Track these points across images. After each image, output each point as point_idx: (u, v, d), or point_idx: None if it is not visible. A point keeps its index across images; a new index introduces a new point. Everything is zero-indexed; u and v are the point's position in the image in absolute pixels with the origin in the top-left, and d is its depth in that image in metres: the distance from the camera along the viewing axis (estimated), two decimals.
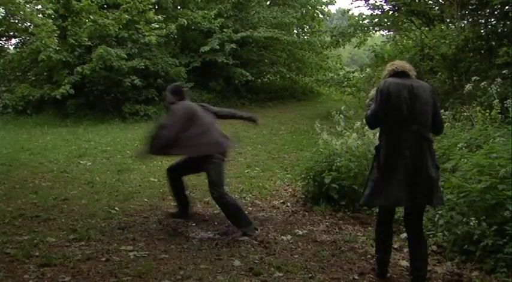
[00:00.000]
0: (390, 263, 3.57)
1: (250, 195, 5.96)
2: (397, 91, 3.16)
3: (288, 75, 18.93)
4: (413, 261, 3.29)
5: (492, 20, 9.88)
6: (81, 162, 8.10)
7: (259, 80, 19.43)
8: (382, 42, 14.99)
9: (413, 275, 3.27)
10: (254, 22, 17.25)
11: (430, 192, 3.15)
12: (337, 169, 5.12)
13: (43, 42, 9.02)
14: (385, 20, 13.89)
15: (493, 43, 9.22)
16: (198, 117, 4.44)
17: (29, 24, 9.56)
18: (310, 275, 3.50)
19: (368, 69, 13.94)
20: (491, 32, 9.49)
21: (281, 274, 3.51)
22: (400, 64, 3.37)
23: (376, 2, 13.64)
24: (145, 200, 5.71)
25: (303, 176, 5.65)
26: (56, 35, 9.17)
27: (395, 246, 4.05)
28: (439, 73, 9.66)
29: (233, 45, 16.03)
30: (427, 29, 11.99)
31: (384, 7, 13.58)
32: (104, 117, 14.49)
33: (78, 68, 13.93)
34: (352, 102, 12.04)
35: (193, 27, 16.31)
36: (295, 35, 20.06)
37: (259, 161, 8.25)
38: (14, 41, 14.68)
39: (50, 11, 9.77)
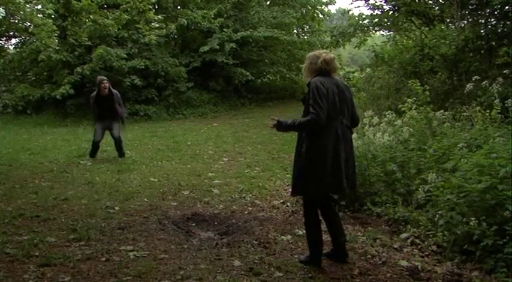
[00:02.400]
0: (390, 262, 3.57)
1: (250, 195, 5.96)
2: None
3: (288, 75, 18.93)
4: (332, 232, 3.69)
5: (492, 20, 9.86)
6: (81, 162, 8.10)
7: (259, 80, 19.43)
8: (382, 42, 14.96)
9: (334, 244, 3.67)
10: (254, 22, 17.26)
11: None
12: None
13: (43, 42, 9.02)
14: (385, 20, 13.89)
15: (493, 43, 9.20)
16: None
17: (29, 24, 9.56)
18: (310, 275, 3.50)
19: (368, 69, 13.90)
20: (491, 32, 9.47)
21: (281, 274, 3.51)
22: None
23: (376, 2, 13.65)
24: (145, 200, 5.71)
25: None
26: (56, 35, 9.18)
27: (395, 246, 4.05)
28: (439, 73, 9.63)
29: (233, 45, 16.03)
30: (427, 29, 11.98)
31: (384, 7, 13.58)
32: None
33: (78, 68, 13.94)
34: None
35: (193, 27, 16.32)
36: (295, 35, 20.06)
37: (259, 161, 8.25)
38: (14, 41, 14.69)
39: (50, 11, 9.77)
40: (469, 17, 10.57)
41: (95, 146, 8.39)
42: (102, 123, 8.27)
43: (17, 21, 9.77)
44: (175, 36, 17.20)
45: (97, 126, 8.31)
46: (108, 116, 8.21)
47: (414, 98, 6.32)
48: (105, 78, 8.39)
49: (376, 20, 13.95)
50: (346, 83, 3.71)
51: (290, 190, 3.81)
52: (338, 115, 3.44)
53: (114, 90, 8.32)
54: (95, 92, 8.26)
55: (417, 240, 4.08)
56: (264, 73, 19.33)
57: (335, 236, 3.71)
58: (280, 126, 3.55)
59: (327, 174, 3.41)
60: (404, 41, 13.62)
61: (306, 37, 20.56)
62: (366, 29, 14.58)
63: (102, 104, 8.13)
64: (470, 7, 10.33)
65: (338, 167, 3.43)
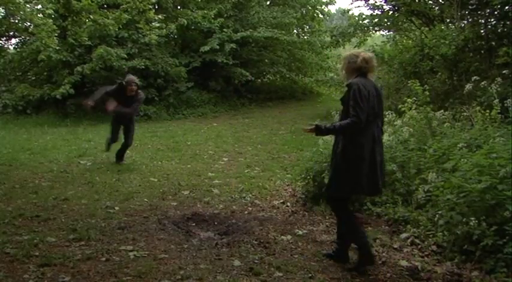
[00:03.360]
0: (390, 262, 3.57)
1: (250, 195, 5.96)
2: None
3: (288, 75, 18.91)
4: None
5: (492, 20, 9.87)
6: (81, 162, 8.10)
7: (259, 80, 19.41)
8: (382, 42, 14.97)
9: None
10: (254, 22, 17.24)
11: None
12: None
13: (43, 42, 9.01)
14: (385, 20, 13.89)
15: (493, 43, 9.21)
16: None
17: (29, 24, 9.56)
18: (310, 275, 3.50)
19: None
20: (491, 32, 9.48)
21: (281, 274, 3.51)
22: None
23: (376, 2, 13.66)
24: (145, 199, 5.71)
25: (303, 176, 5.65)
26: (56, 34, 9.17)
27: (395, 246, 4.05)
28: (439, 73, 9.64)
29: (233, 45, 16.02)
30: (427, 29, 11.98)
31: (384, 7, 13.59)
32: (104, 117, 14.45)
33: (78, 68, 13.93)
34: None
35: (193, 27, 16.30)
36: (295, 35, 20.03)
37: (259, 161, 8.25)
38: (14, 40, 14.70)
39: (50, 11, 9.75)
40: (469, 17, 10.58)
41: (110, 143, 8.02)
42: (118, 124, 7.86)
43: (17, 21, 9.78)
44: (176, 36, 17.18)
45: (114, 127, 7.92)
46: (122, 116, 7.71)
47: (414, 98, 6.32)
48: (136, 81, 7.79)
49: (376, 20, 13.96)
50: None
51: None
52: (375, 118, 3.48)
53: (140, 92, 7.94)
54: (115, 86, 7.75)
55: (417, 240, 4.08)
56: (264, 73, 19.31)
57: (343, 239, 3.75)
58: (320, 131, 3.51)
59: (363, 175, 3.41)
60: (404, 41, 13.63)
61: (306, 37, 20.51)
62: (365, 29, 14.58)
63: (120, 100, 7.56)
64: (470, 7, 10.34)
65: (374, 169, 3.44)
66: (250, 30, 16.60)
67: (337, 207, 3.68)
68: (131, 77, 7.90)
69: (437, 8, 12.51)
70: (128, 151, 8.12)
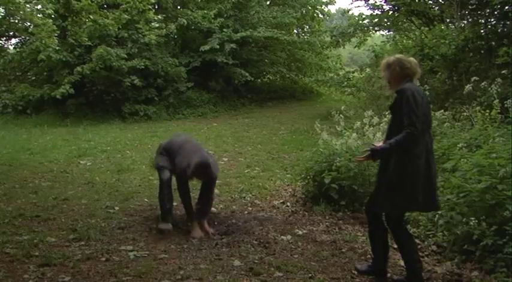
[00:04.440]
0: (390, 262, 3.57)
1: (250, 195, 5.96)
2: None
3: (288, 75, 18.91)
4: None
5: (492, 20, 9.88)
6: (81, 162, 8.10)
7: (259, 80, 19.39)
8: (382, 42, 14.98)
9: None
10: (254, 22, 17.23)
11: None
12: (337, 169, 5.12)
13: (43, 42, 9.00)
14: (385, 20, 13.89)
15: (493, 43, 9.21)
16: None
17: (29, 24, 9.55)
18: (310, 275, 3.50)
19: (368, 69, 13.92)
20: (491, 32, 9.49)
21: (281, 274, 3.51)
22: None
23: (376, 2, 13.66)
24: (145, 199, 5.71)
25: (303, 176, 5.65)
26: (56, 34, 9.17)
27: (395, 246, 4.04)
28: (439, 73, 9.64)
29: (233, 45, 16.02)
30: (426, 29, 11.99)
31: (384, 7, 13.59)
32: (104, 117, 14.48)
33: (78, 68, 13.92)
34: (352, 102, 12.03)
35: (193, 27, 16.29)
36: (295, 35, 20.03)
37: (259, 161, 8.25)
38: (13, 41, 14.66)
39: (50, 11, 9.76)
40: (468, 17, 10.59)
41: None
42: None
43: (17, 21, 9.77)
44: (175, 36, 17.16)
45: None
46: None
47: None
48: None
49: (376, 20, 13.96)
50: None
51: (370, 205, 3.44)
52: (428, 126, 3.21)
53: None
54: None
55: (417, 240, 4.08)
56: (264, 73, 19.30)
57: (409, 262, 3.33)
58: (378, 155, 3.23)
59: (419, 190, 3.11)
60: (404, 41, 13.64)
61: (306, 37, 20.50)
62: (365, 29, 14.59)
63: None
64: (470, 7, 10.34)
65: (430, 182, 3.15)
66: (250, 30, 16.59)
67: (394, 227, 3.37)
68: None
69: (437, 8, 12.51)
70: (127, 151, 8.11)
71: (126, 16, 9.59)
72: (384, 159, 3.27)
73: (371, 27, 14.49)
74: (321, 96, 19.31)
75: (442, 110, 6.14)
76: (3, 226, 4.60)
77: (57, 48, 11.12)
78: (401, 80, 3.23)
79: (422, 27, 12.46)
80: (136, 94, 15.18)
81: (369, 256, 3.85)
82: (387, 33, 15.44)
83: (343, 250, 4.03)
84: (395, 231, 3.37)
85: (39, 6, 9.82)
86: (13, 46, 15.36)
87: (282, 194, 6.04)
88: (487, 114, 5.41)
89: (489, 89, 5.94)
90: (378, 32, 15.94)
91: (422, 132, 3.09)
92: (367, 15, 14.17)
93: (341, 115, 6.03)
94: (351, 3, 19.49)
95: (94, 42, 13.68)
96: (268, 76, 19.89)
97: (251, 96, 17.94)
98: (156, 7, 14.86)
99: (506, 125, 5.13)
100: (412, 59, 3.35)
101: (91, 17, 9.18)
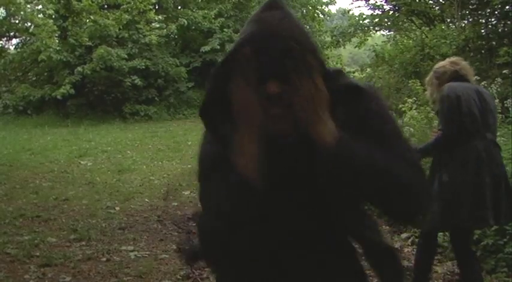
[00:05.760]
0: None
1: None
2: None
3: None
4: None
5: (492, 19, 9.88)
6: (82, 162, 8.10)
7: None
8: (382, 42, 14.96)
9: None
10: None
11: None
12: None
13: (44, 42, 9.03)
14: (386, 20, 13.88)
15: (494, 43, 9.21)
16: None
17: (29, 24, 9.58)
18: None
19: (368, 69, 13.91)
20: (491, 32, 9.49)
21: None
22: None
23: (376, 2, 13.64)
24: (146, 200, 5.71)
25: None
26: (57, 35, 9.22)
27: (396, 246, 4.04)
28: None
29: None
30: (427, 28, 11.98)
31: (384, 7, 13.57)
32: (105, 117, 14.50)
33: (79, 68, 13.95)
34: None
35: (193, 27, 16.31)
36: None
37: None
38: (14, 41, 14.71)
39: (51, 11, 9.79)
40: (469, 16, 10.59)
41: None
42: None
43: (17, 21, 9.79)
44: (176, 37, 17.19)
45: None
46: None
47: (414, 98, 6.32)
48: None
49: (376, 20, 13.94)
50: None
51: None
52: (480, 128, 2.74)
53: None
54: None
55: (416, 240, 4.08)
56: None
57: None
58: None
59: (465, 203, 2.70)
60: (405, 41, 13.62)
61: None
62: (366, 29, 14.56)
63: None
64: (470, 7, 10.34)
65: (481, 194, 2.70)
66: None
67: (454, 242, 3.09)
68: None
69: (437, 7, 12.50)
70: (128, 151, 8.13)
71: (126, 16, 9.61)
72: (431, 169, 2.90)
73: (371, 27, 14.47)
74: None
75: None
76: (4, 226, 4.60)
77: (57, 48, 11.16)
78: (440, 87, 2.86)
79: (422, 27, 12.45)
80: (137, 94, 15.20)
81: None
82: (388, 33, 15.43)
83: None
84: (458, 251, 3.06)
85: (39, 7, 9.85)
86: (14, 46, 15.40)
87: None
88: None
89: (489, 88, 5.94)
90: (378, 32, 15.92)
91: (470, 136, 2.70)
92: (367, 15, 14.16)
93: None
94: (352, 3, 19.40)
95: (94, 42, 13.71)
96: None
97: None
98: (157, 7, 14.88)
99: (506, 125, 5.13)
100: (444, 61, 3.02)
101: (91, 17, 9.21)
